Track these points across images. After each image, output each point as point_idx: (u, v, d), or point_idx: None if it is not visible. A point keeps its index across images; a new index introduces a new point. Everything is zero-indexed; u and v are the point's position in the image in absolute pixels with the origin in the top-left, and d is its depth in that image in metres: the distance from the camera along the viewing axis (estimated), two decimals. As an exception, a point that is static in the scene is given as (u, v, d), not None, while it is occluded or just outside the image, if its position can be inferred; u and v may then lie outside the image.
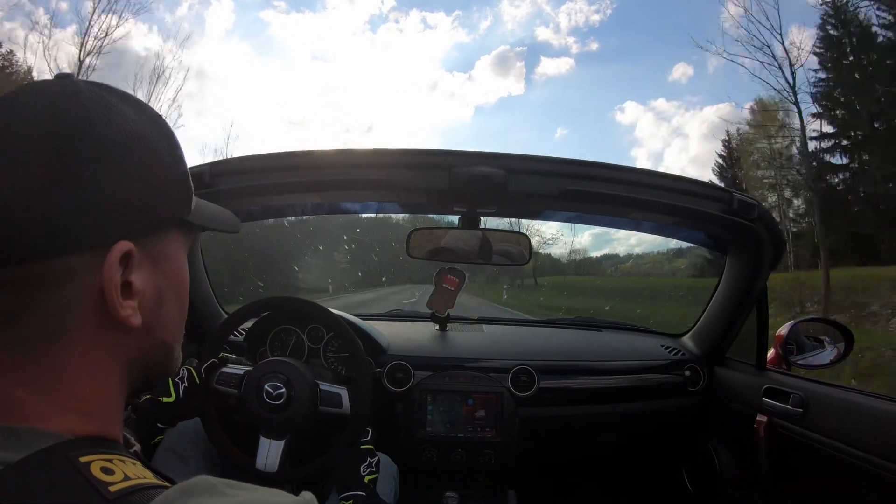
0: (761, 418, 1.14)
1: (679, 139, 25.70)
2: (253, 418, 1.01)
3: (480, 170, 0.97)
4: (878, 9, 11.34)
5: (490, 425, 1.27)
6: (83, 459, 0.30)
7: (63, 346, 0.33)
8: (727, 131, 16.08)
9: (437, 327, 1.54)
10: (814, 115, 12.66)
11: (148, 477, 0.32)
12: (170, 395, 0.97)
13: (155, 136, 0.37)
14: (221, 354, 1.08)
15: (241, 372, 1.03)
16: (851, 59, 11.89)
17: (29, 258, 0.31)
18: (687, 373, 1.37)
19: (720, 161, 16.73)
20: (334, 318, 1.14)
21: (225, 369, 1.04)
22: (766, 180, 14.55)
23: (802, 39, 10.91)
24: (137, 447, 0.39)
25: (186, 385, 0.98)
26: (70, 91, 0.34)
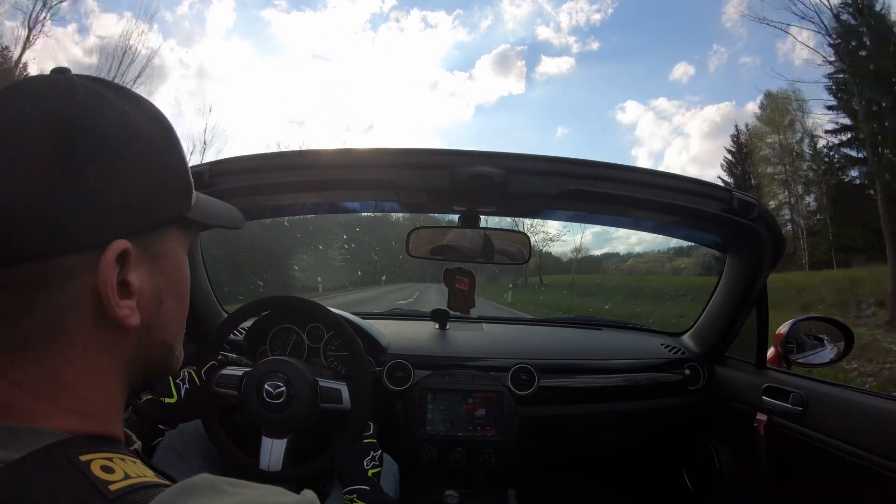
0: (761, 417, 1.14)
1: (680, 138, 25.80)
2: (254, 418, 1.00)
3: (481, 169, 0.97)
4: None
5: (490, 424, 1.27)
6: (83, 458, 0.30)
7: (63, 346, 0.33)
8: (736, 126, 15.97)
9: (437, 326, 1.54)
10: (829, 108, 12.49)
11: (148, 475, 0.32)
12: (172, 396, 0.96)
13: (153, 131, 0.36)
14: (221, 355, 1.08)
15: (241, 373, 1.03)
16: (866, 51, 11.61)
17: (29, 258, 0.31)
18: (687, 371, 1.37)
19: (729, 157, 16.50)
20: (334, 317, 1.13)
21: (224, 371, 1.04)
22: (777, 176, 14.42)
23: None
24: (138, 444, 0.39)
25: (188, 387, 0.98)
26: (64, 87, 0.33)
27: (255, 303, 1.17)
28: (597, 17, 25.02)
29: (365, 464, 0.96)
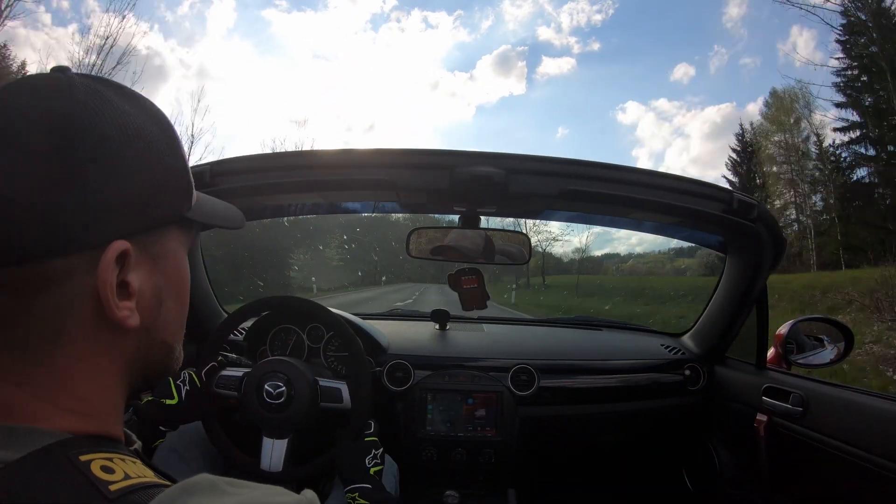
0: (761, 417, 1.14)
1: (680, 139, 25.80)
2: (254, 418, 1.00)
3: (481, 170, 0.97)
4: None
5: (490, 424, 1.27)
6: (83, 458, 0.30)
7: (62, 346, 0.33)
8: (741, 124, 15.87)
9: (437, 326, 1.54)
10: (838, 105, 12.38)
11: (148, 476, 0.32)
12: (172, 398, 0.96)
13: (153, 130, 0.36)
14: (221, 356, 1.08)
15: (241, 374, 1.03)
16: (875, 47, 11.53)
17: (29, 258, 0.31)
18: (687, 372, 1.37)
19: (734, 156, 16.36)
20: (334, 317, 1.13)
21: (224, 372, 1.04)
22: (783, 175, 14.31)
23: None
24: (138, 444, 0.39)
25: (188, 388, 0.98)
26: (64, 85, 0.33)
27: (255, 303, 1.17)
28: (598, 17, 25.12)
29: (367, 462, 0.96)
